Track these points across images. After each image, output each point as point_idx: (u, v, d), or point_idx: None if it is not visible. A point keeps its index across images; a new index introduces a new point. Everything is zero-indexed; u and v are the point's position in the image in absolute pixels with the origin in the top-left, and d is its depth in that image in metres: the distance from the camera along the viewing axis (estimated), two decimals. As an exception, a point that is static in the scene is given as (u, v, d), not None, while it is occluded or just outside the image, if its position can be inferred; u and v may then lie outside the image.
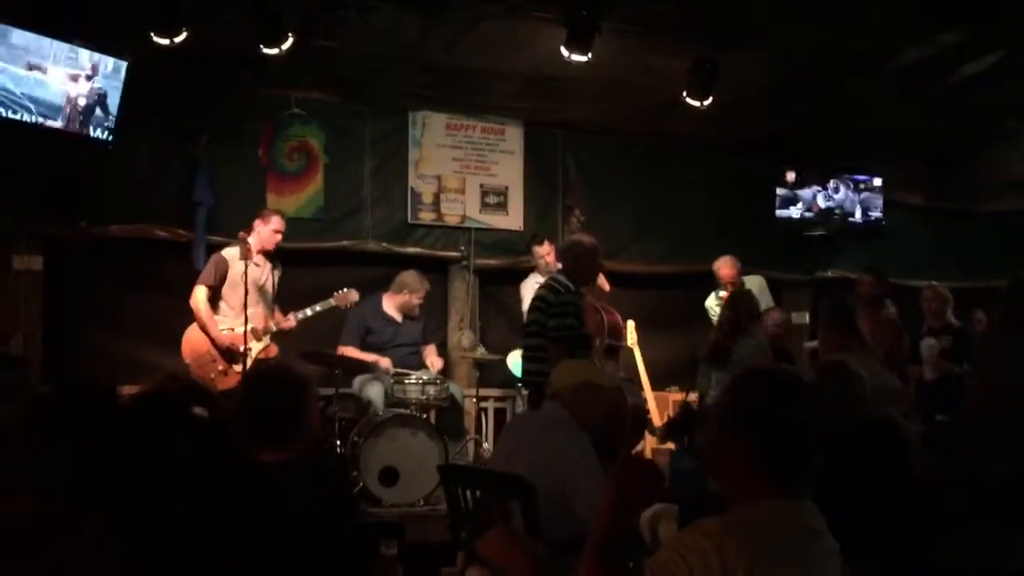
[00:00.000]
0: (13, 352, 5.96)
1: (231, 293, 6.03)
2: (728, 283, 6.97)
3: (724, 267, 7.11)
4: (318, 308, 6.29)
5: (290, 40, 5.80)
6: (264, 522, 2.35)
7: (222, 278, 6.04)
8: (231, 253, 6.06)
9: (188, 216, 6.74)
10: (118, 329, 6.68)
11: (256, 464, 2.58)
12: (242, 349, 5.87)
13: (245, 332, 5.84)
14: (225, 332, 5.99)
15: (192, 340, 6.01)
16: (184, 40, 5.65)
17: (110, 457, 0.86)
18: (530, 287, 6.97)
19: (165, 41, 5.63)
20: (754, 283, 7.09)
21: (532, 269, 7.21)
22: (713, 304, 7.25)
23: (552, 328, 5.29)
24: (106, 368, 6.58)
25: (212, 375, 5.85)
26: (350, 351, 6.50)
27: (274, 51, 5.82)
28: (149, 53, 5.81)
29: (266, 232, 6.15)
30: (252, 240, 6.04)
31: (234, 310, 6.00)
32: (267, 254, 6.20)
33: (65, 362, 6.34)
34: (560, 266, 5.92)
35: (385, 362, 6.45)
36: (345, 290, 6.38)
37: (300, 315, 6.23)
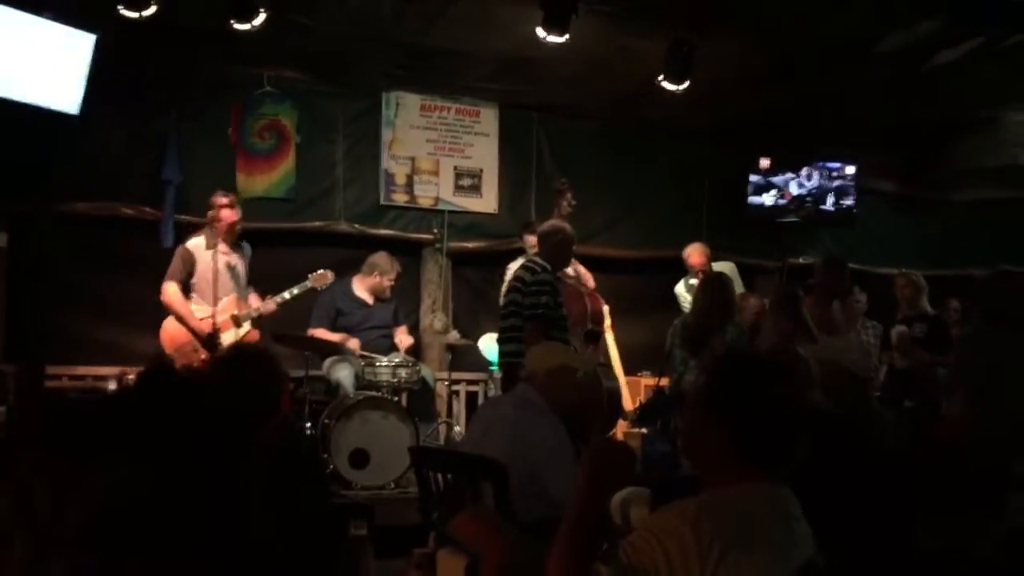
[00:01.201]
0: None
1: (201, 283, 5.93)
2: (698, 270, 6.97)
3: (694, 254, 7.11)
4: (295, 291, 6.17)
5: (262, 16, 5.71)
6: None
7: (190, 271, 5.94)
8: (196, 243, 5.97)
9: (156, 194, 6.64)
10: (83, 308, 6.58)
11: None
12: (219, 336, 5.79)
13: (214, 320, 5.77)
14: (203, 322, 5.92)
15: (170, 331, 5.92)
16: (153, 14, 5.55)
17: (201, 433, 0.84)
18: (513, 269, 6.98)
19: (134, 15, 5.53)
20: (724, 269, 7.09)
21: (510, 252, 7.21)
22: (683, 291, 7.24)
23: (527, 307, 5.36)
24: (69, 347, 6.50)
25: (195, 364, 5.77)
26: (320, 333, 6.44)
27: (246, 27, 5.73)
28: (118, 27, 5.70)
29: (225, 215, 5.97)
30: (215, 228, 5.91)
31: (207, 300, 5.91)
32: (233, 238, 6.06)
33: (27, 341, 6.23)
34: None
35: (353, 342, 6.40)
36: (321, 271, 6.29)
37: (279, 299, 6.12)
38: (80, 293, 6.57)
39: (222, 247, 5.95)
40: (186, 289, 5.95)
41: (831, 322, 5.58)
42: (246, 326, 6.07)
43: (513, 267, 7.00)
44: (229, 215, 5.99)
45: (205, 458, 0.84)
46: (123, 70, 6.31)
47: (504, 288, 6.46)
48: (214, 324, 5.85)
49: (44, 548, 0.78)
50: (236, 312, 6.01)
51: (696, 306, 5.71)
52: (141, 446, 0.82)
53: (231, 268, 6.01)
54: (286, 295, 6.15)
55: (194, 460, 0.83)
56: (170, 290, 5.88)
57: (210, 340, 5.85)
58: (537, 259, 5.62)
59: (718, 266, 7.11)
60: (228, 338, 5.92)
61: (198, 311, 5.95)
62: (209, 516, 0.83)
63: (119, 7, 5.48)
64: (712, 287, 5.71)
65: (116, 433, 0.82)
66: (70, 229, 6.50)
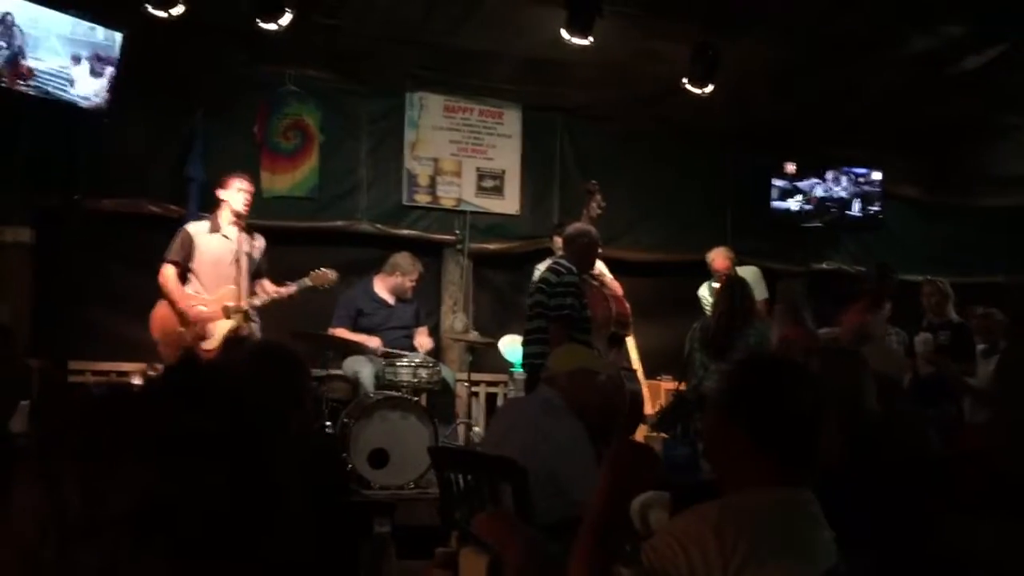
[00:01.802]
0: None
1: (199, 268, 5.82)
2: (722, 274, 6.94)
3: (718, 258, 7.08)
4: (294, 289, 6.01)
5: (288, 16, 5.73)
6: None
7: (188, 254, 5.81)
8: (197, 227, 5.88)
9: (181, 191, 6.68)
10: (108, 304, 6.62)
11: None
12: (204, 326, 5.73)
13: (204, 307, 5.72)
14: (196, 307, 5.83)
15: (160, 317, 5.80)
16: (181, 13, 5.59)
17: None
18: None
19: (162, 13, 5.57)
20: (748, 273, 7.06)
21: (532, 254, 7.27)
22: (706, 294, 7.21)
23: (553, 308, 5.38)
24: (93, 343, 6.55)
25: (179, 352, 5.72)
26: (341, 332, 6.45)
27: (272, 26, 5.76)
28: (146, 25, 5.74)
29: (231, 195, 5.85)
30: (224, 210, 5.83)
31: (205, 286, 5.83)
32: (243, 226, 5.89)
33: (54, 336, 6.28)
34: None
35: (374, 342, 6.39)
36: (322, 270, 6.13)
37: (274, 294, 5.94)
38: (105, 289, 6.61)
39: (228, 231, 5.85)
40: (187, 273, 5.82)
41: (870, 330, 5.56)
42: (237, 318, 5.86)
43: (540, 268, 7.01)
44: (240, 198, 5.84)
45: (238, 452, 0.84)
46: (149, 67, 6.35)
47: (530, 289, 6.48)
48: (203, 312, 5.74)
49: (76, 540, 0.78)
50: (228, 304, 5.85)
51: (716, 309, 5.69)
52: (170, 438, 0.82)
53: (235, 255, 5.81)
54: (283, 291, 5.97)
55: (226, 454, 0.83)
56: (166, 272, 5.74)
57: (193, 328, 5.71)
58: (563, 261, 5.64)
59: (743, 271, 7.07)
60: (217, 329, 5.80)
61: (193, 297, 5.83)
62: (240, 510, 0.83)
63: (147, 5, 5.52)
64: (732, 291, 5.71)
65: (145, 425, 0.83)
66: (95, 225, 6.54)
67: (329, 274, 6.15)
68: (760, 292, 6.89)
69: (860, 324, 5.50)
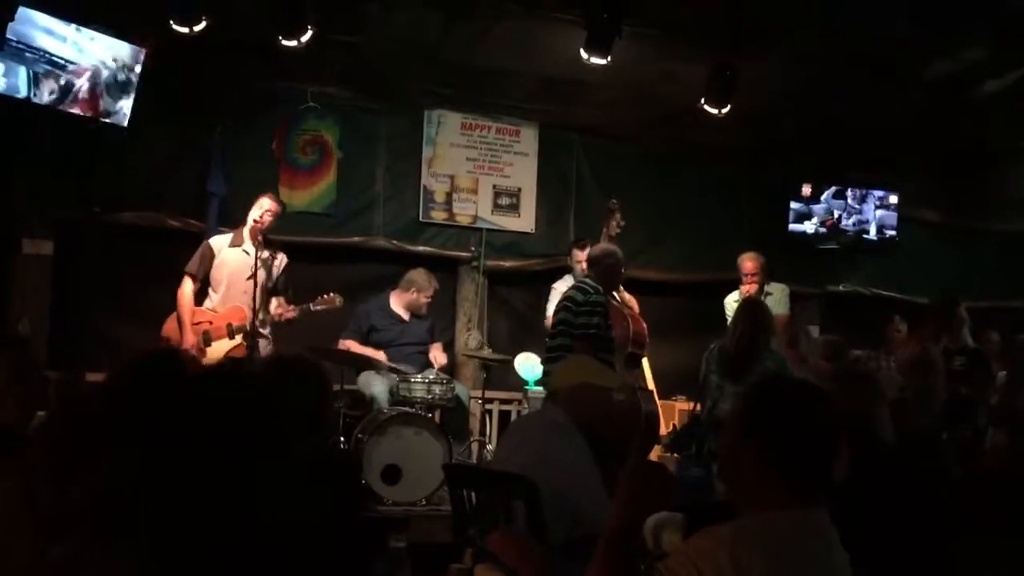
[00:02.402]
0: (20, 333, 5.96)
1: (217, 282, 5.97)
2: (750, 275, 6.84)
3: (748, 260, 6.96)
4: (294, 313, 6.08)
5: (309, 33, 5.78)
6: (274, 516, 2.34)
7: (207, 267, 5.96)
8: (219, 241, 6.00)
9: (201, 206, 6.73)
10: (126, 317, 6.66)
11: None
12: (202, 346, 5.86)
13: (202, 331, 5.82)
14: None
15: (168, 329, 5.99)
16: (203, 29, 5.65)
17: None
18: (560, 290, 6.96)
19: (184, 30, 5.63)
20: (778, 290, 7.05)
21: (547, 272, 7.30)
22: (732, 301, 7.12)
23: (579, 326, 5.39)
24: (111, 355, 6.59)
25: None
26: (350, 344, 6.47)
27: (293, 43, 5.81)
28: (168, 41, 5.80)
29: (253, 213, 5.95)
30: (246, 226, 5.93)
31: (220, 300, 5.95)
32: (265, 243, 5.95)
33: (71, 350, 6.32)
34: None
35: (379, 355, 6.42)
36: (329, 295, 6.23)
37: (276, 317, 6.03)
38: (124, 302, 6.66)
39: (247, 246, 5.93)
40: (207, 285, 5.96)
41: (932, 357, 5.51)
42: (238, 339, 5.97)
43: (558, 286, 7.02)
44: (264, 217, 5.93)
45: (212, 450, 0.84)
46: (171, 83, 6.42)
47: (552, 307, 6.43)
48: (201, 337, 5.88)
49: (45, 531, 0.78)
50: (232, 323, 5.95)
51: (735, 331, 5.57)
52: (135, 434, 0.82)
53: (252, 271, 5.84)
54: (285, 315, 6.04)
55: (200, 451, 0.83)
56: (184, 285, 5.93)
57: (186, 352, 5.69)
58: (588, 280, 5.66)
59: (773, 287, 7.03)
60: (219, 347, 5.91)
61: (209, 308, 6.01)
62: (211, 511, 0.82)
63: (171, 22, 5.58)
64: (752, 313, 5.58)
65: (112, 421, 0.83)
66: (115, 238, 6.60)
67: (336, 299, 6.24)
68: (783, 309, 6.87)
69: (924, 351, 5.50)
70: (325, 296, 6.24)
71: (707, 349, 5.80)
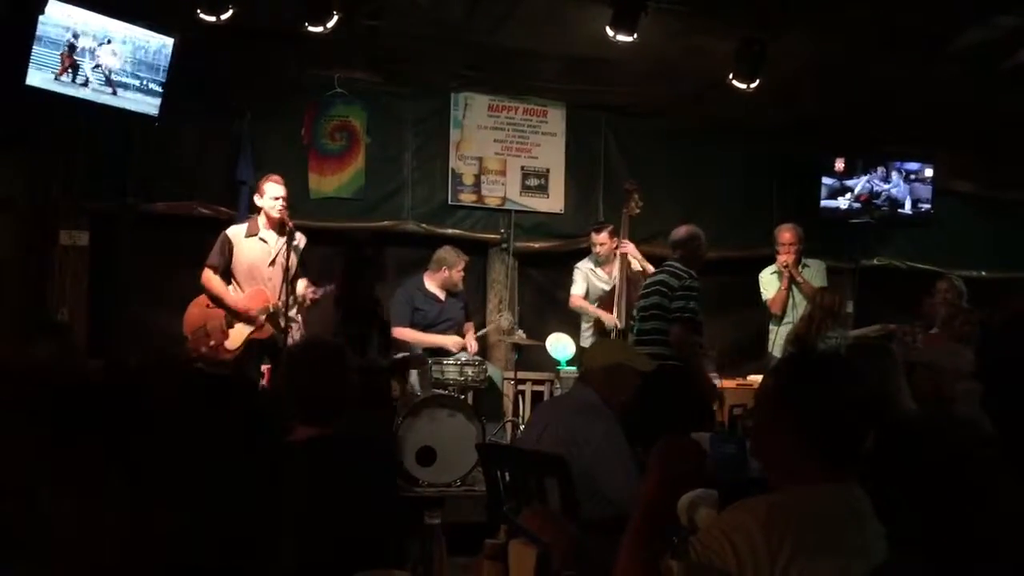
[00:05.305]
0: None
1: (237, 271, 5.93)
2: (787, 245, 6.86)
3: (786, 231, 6.97)
4: (321, 294, 5.99)
5: (335, 18, 5.79)
6: (301, 499, 2.37)
7: (227, 257, 5.91)
8: (236, 231, 5.98)
9: (231, 194, 6.79)
10: (161, 305, 6.73)
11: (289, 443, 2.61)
12: (250, 317, 5.84)
13: (241, 306, 5.82)
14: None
15: (190, 316, 5.93)
16: (230, 17, 5.67)
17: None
18: (584, 270, 6.97)
19: (212, 18, 5.66)
20: (815, 265, 7.05)
21: (577, 252, 7.29)
22: (768, 274, 7.10)
23: (675, 310, 5.56)
24: (147, 343, 6.68)
25: (203, 349, 5.80)
26: (405, 332, 6.50)
27: (319, 29, 5.81)
28: (196, 30, 5.84)
29: (266, 203, 5.91)
30: (261, 215, 5.92)
31: (241, 288, 5.94)
32: (281, 228, 5.91)
33: (110, 337, 6.42)
34: (625, 249, 6.71)
35: (457, 341, 6.56)
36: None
37: (301, 299, 5.94)
38: (159, 290, 6.73)
39: (265, 234, 5.93)
40: (227, 275, 5.93)
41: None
42: (261, 320, 5.92)
43: (582, 265, 7.02)
44: (274, 204, 5.88)
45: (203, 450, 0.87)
46: (199, 72, 6.46)
47: (579, 288, 6.97)
48: (224, 320, 5.85)
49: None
50: (253, 307, 5.89)
51: (808, 314, 6.29)
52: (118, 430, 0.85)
53: (271, 258, 5.87)
54: (310, 295, 5.94)
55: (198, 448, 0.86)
56: (206, 276, 5.87)
57: (246, 317, 5.82)
58: (678, 264, 5.76)
59: (811, 262, 7.02)
60: (240, 331, 5.87)
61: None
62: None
63: (198, 11, 5.62)
64: (814, 298, 6.38)
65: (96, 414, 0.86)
66: (148, 228, 6.68)
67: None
68: (820, 282, 6.90)
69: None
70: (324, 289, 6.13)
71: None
